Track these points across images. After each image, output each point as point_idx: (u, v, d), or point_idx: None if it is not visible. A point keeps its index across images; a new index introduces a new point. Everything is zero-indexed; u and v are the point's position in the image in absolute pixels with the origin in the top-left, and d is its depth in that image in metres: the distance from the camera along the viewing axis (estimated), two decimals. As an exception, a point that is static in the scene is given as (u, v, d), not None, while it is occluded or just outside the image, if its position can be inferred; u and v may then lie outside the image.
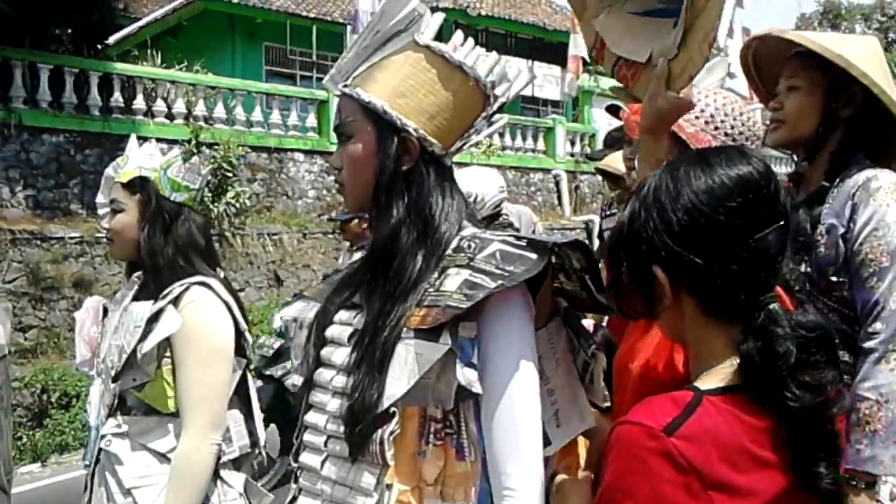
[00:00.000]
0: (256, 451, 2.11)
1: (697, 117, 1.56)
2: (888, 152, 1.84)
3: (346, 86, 1.31)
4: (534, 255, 1.16)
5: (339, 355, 1.25)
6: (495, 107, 1.35)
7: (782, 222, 1.04)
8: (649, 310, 1.11)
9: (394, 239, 1.24)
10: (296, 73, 17.17)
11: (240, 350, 2.06)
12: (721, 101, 1.59)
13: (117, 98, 10.06)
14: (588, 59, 21.81)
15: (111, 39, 12.70)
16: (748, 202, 1.02)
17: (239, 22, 17.36)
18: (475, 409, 1.18)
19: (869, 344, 1.66)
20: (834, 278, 1.74)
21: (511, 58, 17.88)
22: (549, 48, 20.22)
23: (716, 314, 1.06)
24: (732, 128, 1.56)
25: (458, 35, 1.37)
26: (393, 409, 1.14)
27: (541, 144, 15.46)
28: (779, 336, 0.99)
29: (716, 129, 1.55)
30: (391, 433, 1.14)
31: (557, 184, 15.30)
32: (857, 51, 1.73)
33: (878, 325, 1.66)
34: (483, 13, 19.13)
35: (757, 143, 1.60)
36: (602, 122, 17.88)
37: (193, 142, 9.76)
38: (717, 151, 1.10)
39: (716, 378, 1.04)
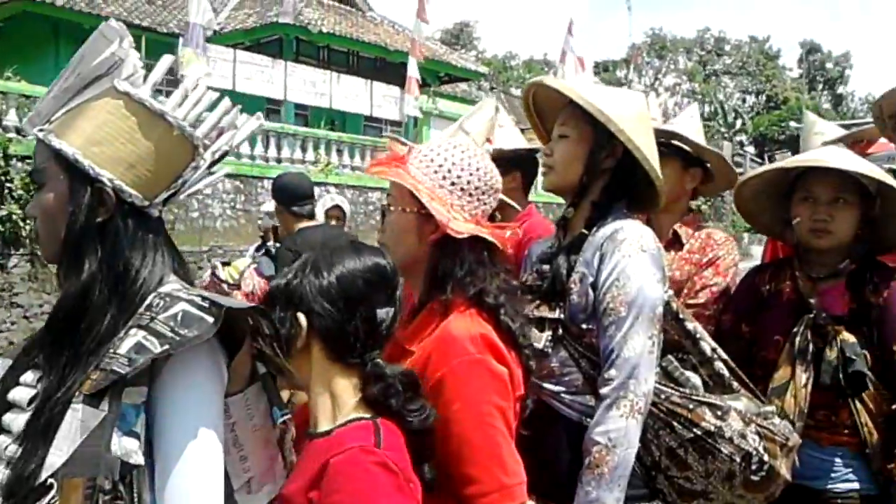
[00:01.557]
0: None
1: (436, 172, 1.56)
2: (648, 203, 1.96)
3: (41, 130, 1.24)
4: (211, 319, 1.13)
5: (18, 421, 1.17)
6: (216, 156, 1.32)
7: (395, 308, 1.43)
8: (287, 350, 1.34)
9: (83, 296, 1.18)
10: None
11: None
12: (459, 155, 1.58)
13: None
14: (426, 81, 22.37)
15: None
16: (378, 282, 1.41)
17: (64, 27, 16.40)
18: (150, 478, 1.11)
19: (604, 390, 1.72)
20: (584, 325, 1.80)
21: (350, 77, 17.93)
22: (390, 68, 20.42)
23: (336, 359, 1.39)
24: (469, 183, 1.56)
25: (192, 80, 1.31)
26: (51, 480, 1.07)
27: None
28: (389, 379, 1.35)
29: (452, 184, 1.55)
30: None
31: (397, 203, 15.40)
32: (621, 107, 1.82)
33: (612, 372, 1.71)
34: (324, 30, 19.06)
35: (495, 195, 1.62)
36: (441, 143, 18.27)
37: (2, 154, 9.06)
38: (367, 246, 1.50)
39: (354, 411, 1.36)
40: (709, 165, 2.57)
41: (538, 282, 1.88)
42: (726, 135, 40.91)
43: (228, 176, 13.43)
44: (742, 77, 53.07)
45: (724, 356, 1.92)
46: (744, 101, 52.29)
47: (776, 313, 2.21)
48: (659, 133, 2.58)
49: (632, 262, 1.75)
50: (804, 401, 2.03)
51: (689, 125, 2.55)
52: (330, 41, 19.94)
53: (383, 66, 21.01)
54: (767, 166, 2.32)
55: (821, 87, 54.42)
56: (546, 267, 1.88)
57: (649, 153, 1.83)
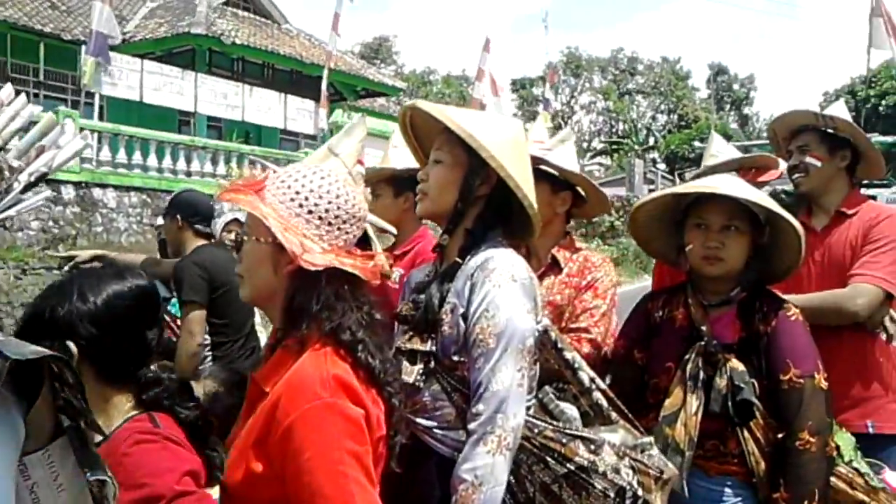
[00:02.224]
0: None
1: (292, 199, 1.48)
2: (524, 231, 1.91)
3: None
4: None
5: None
6: (33, 178, 1.22)
7: (157, 329, 1.54)
8: None
9: None
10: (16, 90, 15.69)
11: None
12: (318, 181, 1.50)
13: None
14: (343, 95, 22.22)
15: None
16: (144, 305, 1.53)
17: (-40, 31, 15.67)
18: None
19: (471, 425, 1.65)
20: (455, 358, 1.74)
21: (264, 90, 17.63)
22: (306, 81, 20.20)
23: (109, 380, 1.51)
24: (327, 211, 1.48)
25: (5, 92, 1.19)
26: None
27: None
28: (164, 383, 1.55)
29: (309, 212, 1.47)
30: None
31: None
32: (494, 133, 1.78)
33: (480, 407, 1.65)
34: (238, 42, 18.70)
35: (358, 223, 1.54)
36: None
37: None
38: (129, 270, 1.59)
39: (128, 413, 1.53)
40: (579, 189, 2.57)
41: (413, 312, 1.81)
42: (639, 152, 42.04)
43: (135, 189, 13.03)
44: (654, 96, 54.74)
45: (603, 386, 1.89)
46: (655, 119, 53.90)
47: (668, 340, 2.20)
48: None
49: (501, 293, 1.70)
50: (694, 429, 2.01)
51: (562, 150, 2.56)
52: (244, 53, 19.59)
53: (299, 79, 20.77)
54: (659, 192, 2.32)
55: (728, 107, 56.60)
56: (422, 297, 1.81)
57: (523, 180, 1.78)
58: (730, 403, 2.00)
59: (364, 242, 2.27)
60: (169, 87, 15.06)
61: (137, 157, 13.39)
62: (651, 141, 47.37)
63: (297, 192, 1.49)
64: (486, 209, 1.83)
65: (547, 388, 1.83)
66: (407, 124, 1.98)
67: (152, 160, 13.49)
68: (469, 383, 1.73)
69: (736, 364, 2.03)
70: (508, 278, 1.72)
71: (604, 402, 1.86)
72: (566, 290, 2.42)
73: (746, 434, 2.03)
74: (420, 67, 59.10)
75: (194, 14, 18.58)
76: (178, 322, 3.60)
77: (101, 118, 14.67)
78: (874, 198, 4.98)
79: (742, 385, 1.99)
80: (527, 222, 1.85)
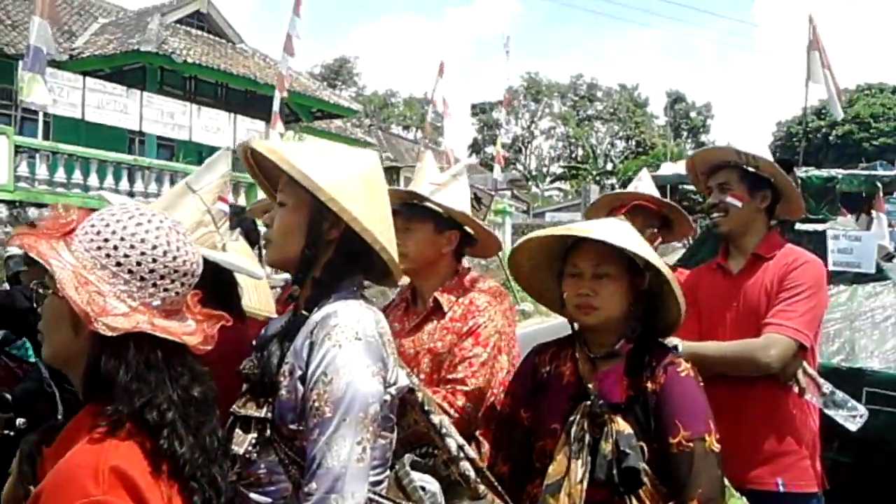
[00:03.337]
0: None
1: (99, 248, 1.27)
2: (385, 276, 1.74)
3: None
4: None
5: None
6: None
7: None
8: None
9: None
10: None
11: None
12: (132, 227, 1.29)
13: None
14: (298, 116, 22.00)
15: None
16: None
17: None
18: None
19: None
20: (293, 426, 1.54)
21: (213, 110, 17.33)
22: (261, 101, 19.91)
23: None
24: (139, 263, 1.27)
25: None
26: None
27: (241, 200, 14.90)
28: None
29: (117, 264, 1.26)
30: None
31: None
32: (337, 171, 1.60)
33: (312, 485, 1.46)
34: (189, 61, 18.37)
35: (183, 278, 1.32)
36: (308, 180, 17.84)
37: None
38: None
39: None
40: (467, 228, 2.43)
41: (255, 371, 1.61)
42: (597, 178, 42.40)
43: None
44: (613, 123, 55.40)
45: (472, 455, 1.71)
46: (613, 145, 54.50)
47: (554, 398, 2.02)
48: (409, 195, 2.45)
49: (342, 354, 1.50)
50: (580, 499, 1.82)
51: (454, 187, 2.42)
52: (196, 72, 19.25)
53: (253, 99, 20.47)
54: (533, 234, 2.15)
55: (685, 134, 57.50)
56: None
57: (373, 221, 1.60)
58: (615, 471, 1.81)
59: (223, 293, 2.09)
60: (113, 104, 14.65)
61: (78, 176, 12.99)
62: (609, 167, 47.86)
63: (106, 240, 1.28)
64: (337, 255, 1.64)
65: (406, 458, 1.64)
66: (252, 165, 1.76)
67: (93, 180, 13.11)
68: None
69: (622, 426, 1.85)
70: (351, 336, 1.52)
71: (471, 473, 1.68)
72: (448, 337, 2.25)
73: (636, 502, 1.84)
74: (382, 89, 59.01)
75: (145, 32, 18.24)
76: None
77: (46, 136, 14.25)
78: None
79: (628, 451, 1.80)
80: (386, 266, 1.67)
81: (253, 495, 1.54)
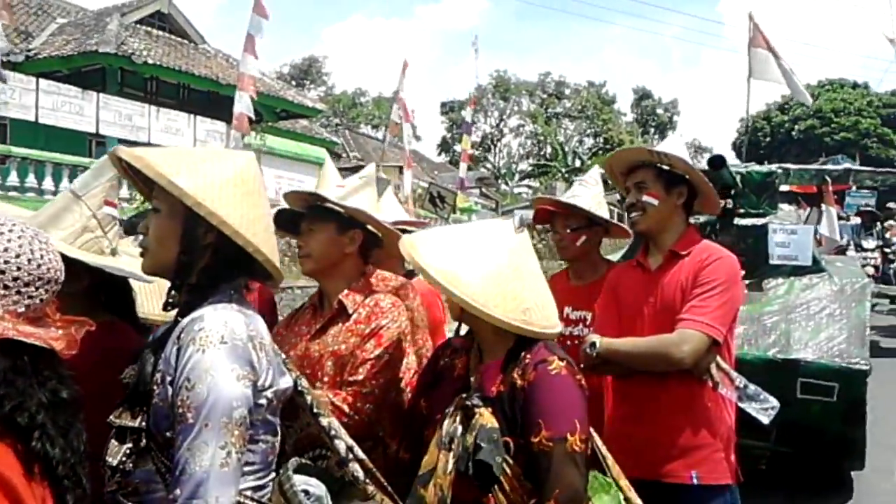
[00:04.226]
0: None
1: None
2: (267, 277, 1.73)
3: None
4: None
5: None
6: None
7: None
8: None
9: None
10: None
11: None
12: (17, 240, 1.30)
13: None
14: (262, 117, 21.81)
15: None
16: None
17: None
18: None
19: None
20: (168, 433, 1.51)
21: (172, 111, 17.15)
22: (225, 102, 19.72)
23: None
24: (2, 272, 1.27)
25: None
26: None
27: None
28: None
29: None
30: None
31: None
32: (206, 175, 1.58)
33: (176, 492, 1.43)
34: (150, 62, 18.15)
35: (47, 286, 1.32)
36: (269, 180, 17.75)
37: None
38: None
39: None
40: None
41: (134, 379, 1.60)
42: (565, 175, 42.62)
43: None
44: (581, 120, 55.67)
45: (361, 456, 1.71)
46: (581, 142, 54.81)
47: (444, 390, 2.03)
48: (312, 197, 2.46)
49: (205, 359, 1.49)
50: (447, 490, 1.81)
51: (359, 187, 2.44)
52: (157, 73, 19.03)
53: (217, 100, 20.28)
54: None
55: (653, 131, 57.97)
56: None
57: (243, 223, 1.59)
58: (470, 463, 1.80)
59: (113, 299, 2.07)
60: (68, 107, 14.44)
61: (32, 179, 12.80)
62: (577, 164, 48.09)
63: None
64: (214, 259, 1.63)
65: (291, 462, 1.64)
66: (129, 172, 1.73)
67: (48, 183, 12.92)
68: None
69: (487, 420, 1.83)
70: (216, 340, 1.51)
71: (360, 474, 1.68)
72: (351, 339, 2.26)
73: (501, 497, 1.83)
74: (352, 89, 58.79)
75: (104, 32, 17.99)
76: None
77: (3, 140, 13.99)
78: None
79: (483, 444, 1.79)
80: (264, 268, 1.66)
81: None
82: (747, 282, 5.13)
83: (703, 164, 4.87)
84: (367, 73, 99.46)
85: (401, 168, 19.70)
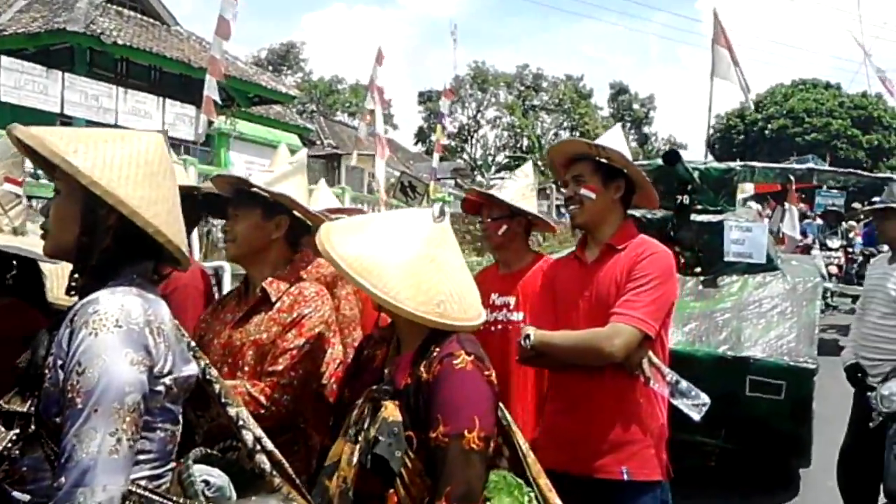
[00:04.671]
0: None
1: None
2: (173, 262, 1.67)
3: None
4: None
5: None
6: None
7: None
8: None
9: None
10: None
11: None
12: None
13: None
14: (236, 101, 21.61)
15: None
16: None
17: None
18: None
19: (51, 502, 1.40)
20: (58, 419, 1.46)
21: (140, 93, 16.89)
22: (197, 85, 19.38)
23: None
24: None
25: None
26: None
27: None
28: None
29: None
30: None
31: (188, 227, 14.62)
32: (105, 153, 1.52)
33: (61, 479, 1.38)
34: (120, 42, 17.82)
35: None
36: (239, 165, 17.55)
37: None
38: None
39: None
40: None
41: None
42: (542, 168, 42.67)
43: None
44: (558, 113, 55.74)
45: (270, 447, 1.67)
46: (558, 135, 54.86)
47: (364, 381, 1.99)
48: (238, 181, 2.43)
49: (97, 342, 1.44)
50: (350, 482, 1.78)
51: (292, 175, 2.41)
52: (128, 54, 18.70)
53: (189, 83, 19.97)
54: None
55: (629, 125, 58.17)
56: None
57: (144, 204, 1.53)
58: (368, 456, 1.77)
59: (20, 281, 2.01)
60: (31, 86, 14.11)
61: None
62: (554, 157, 48.14)
63: None
64: (115, 241, 1.57)
65: (193, 452, 1.59)
66: (27, 150, 1.61)
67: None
68: None
69: (390, 413, 1.80)
70: (110, 324, 1.45)
71: (267, 466, 1.64)
72: (273, 328, 2.21)
73: (403, 492, 1.79)
74: (328, 75, 58.35)
75: (73, 10, 17.64)
76: None
77: (-34, 119, 13.69)
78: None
79: (381, 438, 1.75)
80: (169, 249, 1.61)
81: (15, 493, 1.48)
82: (703, 278, 5.17)
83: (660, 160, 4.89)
84: (346, 60, 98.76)
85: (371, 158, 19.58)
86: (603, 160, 2.61)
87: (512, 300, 3.19)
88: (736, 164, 6.15)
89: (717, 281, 5.14)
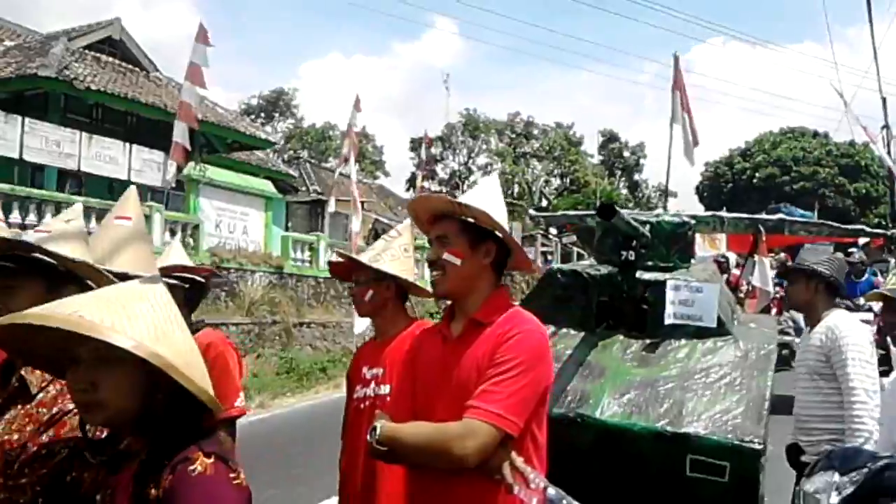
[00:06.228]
0: None
1: None
2: None
3: None
4: None
5: None
6: None
7: None
8: None
9: None
10: None
11: None
12: None
13: None
14: (214, 147, 21.35)
15: None
16: None
17: None
18: None
19: None
20: None
21: (105, 139, 16.59)
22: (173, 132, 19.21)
23: None
24: None
25: None
26: None
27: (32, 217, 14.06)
28: None
29: None
30: None
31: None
32: None
33: None
34: (93, 88, 17.60)
35: None
36: (210, 212, 17.18)
37: None
38: None
39: None
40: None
41: None
42: (532, 216, 42.47)
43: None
44: (548, 160, 55.81)
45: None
46: (548, 182, 54.86)
47: None
48: (10, 245, 2.00)
49: None
50: None
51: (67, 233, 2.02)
52: (102, 99, 18.48)
53: (166, 130, 19.71)
54: None
55: (619, 173, 58.24)
56: None
57: None
58: None
59: None
60: (-12, 131, 13.82)
61: (-54, 205, 12.18)
62: (544, 203, 48.08)
63: None
64: None
65: None
66: None
67: (-39, 209, 12.31)
68: None
69: None
70: None
71: None
72: (28, 427, 1.77)
73: None
74: (321, 122, 58.49)
75: (48, 56, 17.45)
76: None
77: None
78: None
79: None
80: None
81: None
82: (647, 342, 4.70)
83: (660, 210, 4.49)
84: (341, 108, 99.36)
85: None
86: (470, 219, 2.21)
87: (380, 371, 2.81)
88: (706, 214, 5.75)
89: (663, 345, 4.67)
